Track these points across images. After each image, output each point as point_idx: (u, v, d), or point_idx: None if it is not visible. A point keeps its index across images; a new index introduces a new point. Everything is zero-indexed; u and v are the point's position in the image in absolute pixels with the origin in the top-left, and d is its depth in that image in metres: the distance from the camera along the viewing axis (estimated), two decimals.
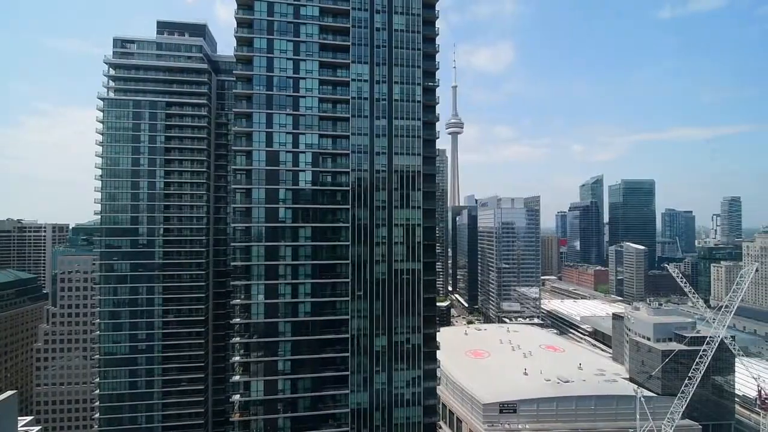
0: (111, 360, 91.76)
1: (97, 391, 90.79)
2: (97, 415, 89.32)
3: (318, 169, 64.79)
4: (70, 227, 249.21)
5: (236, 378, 61.82)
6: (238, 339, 61.94)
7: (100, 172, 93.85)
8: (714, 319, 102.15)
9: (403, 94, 66.76)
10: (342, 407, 63.74)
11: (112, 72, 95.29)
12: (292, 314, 63.00)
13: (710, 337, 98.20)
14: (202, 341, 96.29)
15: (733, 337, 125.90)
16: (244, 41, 64.37)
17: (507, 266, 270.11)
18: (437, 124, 69.40)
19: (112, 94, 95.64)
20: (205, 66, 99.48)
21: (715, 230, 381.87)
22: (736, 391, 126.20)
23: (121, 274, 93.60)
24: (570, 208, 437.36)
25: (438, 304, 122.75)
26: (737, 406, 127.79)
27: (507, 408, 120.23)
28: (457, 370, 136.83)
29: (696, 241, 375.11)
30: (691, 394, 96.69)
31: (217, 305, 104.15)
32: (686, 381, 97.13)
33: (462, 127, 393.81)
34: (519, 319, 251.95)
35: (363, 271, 65.19)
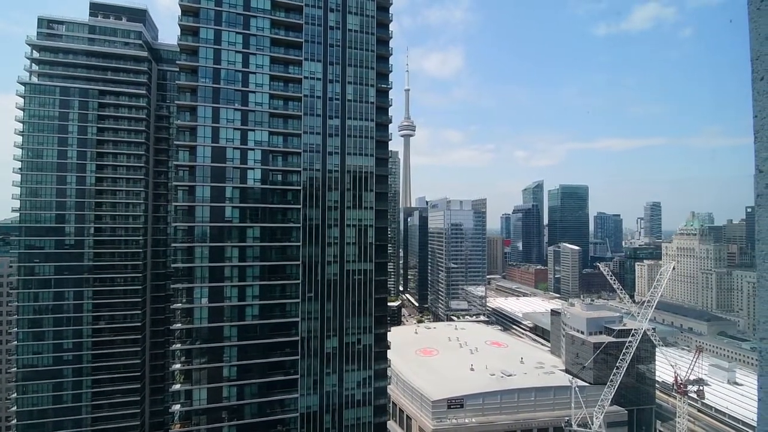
0: (31, 373, 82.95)
1: (14, 408, 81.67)
2: None
3: (268, 167, 62.77)
4: None
5: (177, 387, 58.21)
6: (179, 345, 58.33)
7: (19, 164, 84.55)
8: (638, 313, 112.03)
9: (357, 95, 66.53)
10: (291, 411, 62.18)
11: (36, 55, 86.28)
12: (239, 318, 60.46)
13: (635, 329, 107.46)
14: (138, 349, 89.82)
15: (654, 329, 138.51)
16: (189, 30, 60.88)
17: (455, 266, 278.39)
18: (390, 126, 69.90)
19: (35, 79, 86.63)
20: (144, 54, 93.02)
21: (639, 232, 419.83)
22: (657, 378, 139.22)
23: (44, 277, 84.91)
24: (513, 210, 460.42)
25: (389, 303, 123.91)
26: (657, 392, 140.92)
27: (454, 403, 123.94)
28: (408, 368, 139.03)
29: (623, 242, 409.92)
30: (618, 382, 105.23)
31: (155, 310, 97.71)
32: (614, 370, 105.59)
33: (414, 130, 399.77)
34: (466, 317, 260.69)
35: (314, 272, 64.09)
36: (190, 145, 59.86)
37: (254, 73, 62.32)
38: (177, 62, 61.02)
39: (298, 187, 63.81)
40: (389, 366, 69.72)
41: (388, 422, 71.93)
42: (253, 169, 61.60)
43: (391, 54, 69.39)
